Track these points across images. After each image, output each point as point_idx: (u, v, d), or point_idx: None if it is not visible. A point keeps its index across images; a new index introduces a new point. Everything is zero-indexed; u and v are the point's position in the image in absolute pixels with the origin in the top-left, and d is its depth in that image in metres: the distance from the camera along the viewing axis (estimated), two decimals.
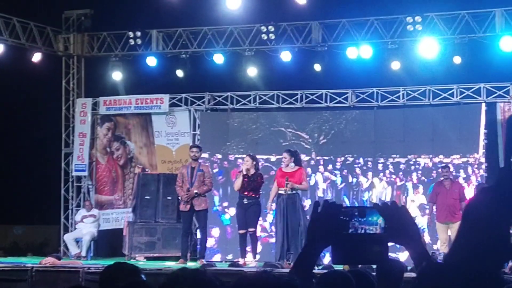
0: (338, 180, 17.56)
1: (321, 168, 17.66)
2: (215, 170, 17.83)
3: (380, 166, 17.29)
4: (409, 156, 17.06)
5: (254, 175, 14.34)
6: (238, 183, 14.34)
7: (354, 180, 17.47)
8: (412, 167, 17.05)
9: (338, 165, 17.58)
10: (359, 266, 5.45)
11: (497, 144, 16.61)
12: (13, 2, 18.29)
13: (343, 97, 17.94)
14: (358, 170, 17.41)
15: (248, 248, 14.33)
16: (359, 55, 17.27)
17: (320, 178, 17.65)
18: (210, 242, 17.47)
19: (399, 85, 17.55)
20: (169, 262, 15.54)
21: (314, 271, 2.74)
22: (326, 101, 18.03)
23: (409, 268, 7.04)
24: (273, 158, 17.61)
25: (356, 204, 16.95)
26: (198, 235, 15.97)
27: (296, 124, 17.96)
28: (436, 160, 16.84)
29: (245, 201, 14.26)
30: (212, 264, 14.47)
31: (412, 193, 17.10)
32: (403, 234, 2.53)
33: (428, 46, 16.75)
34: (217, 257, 17.64)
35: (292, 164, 14.18)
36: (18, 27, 18.19)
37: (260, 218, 15.20)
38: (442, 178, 15.55)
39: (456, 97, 17.13)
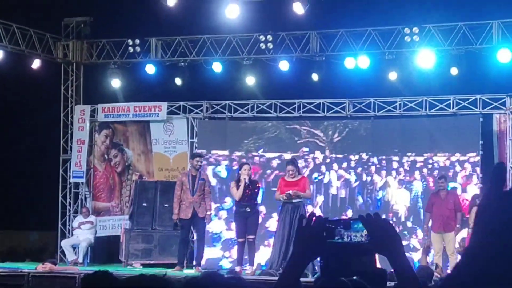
0: (352, 178, 17.49)
1: (335, 166, 17.60)
2: (234, 168, 17.91)
3: (394, 165, 17.23)
4: (425, 155, 16.95)
5: (252, 183, 14.41)
6: (240, 192, 14.26)
7: (369, 178, 17.39)
8: (430, 166, 16.96)
9: (352, 164, 17.55)
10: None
11: (493, 156, 16.70)
12: (13, 8, 18.37)
13: (340, 106, 18.01)
14: (372, 169, 17.40)
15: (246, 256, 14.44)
16: (357, 65, 17.35)
17: (334, 176, 17.58)
18: (230, 235, 17.61)
19: (396, 96, 17.62)
20: (166, 269, 15.59)
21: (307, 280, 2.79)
22: (323, 111, 18.10)
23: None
24: (287, 156, 17.70)
25: (370, 202, 17.01)
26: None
27: (311, 122, 18.01)
28: (453, 158, 16.77)
29: (248, 209, 14.28)
30: None
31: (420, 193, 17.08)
32: (387, 246, 2.53)
33: (425, 57, 16.84)
34: (233, 250, 17.70)
35: (297, 174, 14.32)
36: (18, 33, 18.28)
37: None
38: (438, 189, 15.65)
39: (453, 108, 17.21)
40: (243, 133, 18.22)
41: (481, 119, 16.75)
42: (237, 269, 14.21)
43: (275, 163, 17.86)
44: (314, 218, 2.61)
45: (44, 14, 19.02)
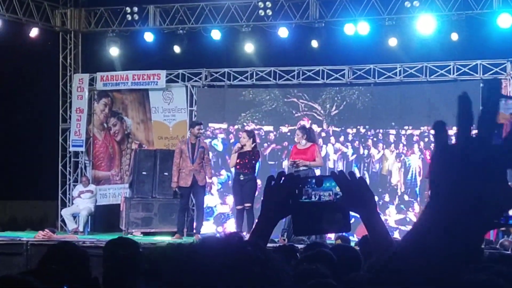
0: (349, 151, 17.48)
1: (332, 139, 17.59)
2: (231, 141, 17.86)
3: (391, 138, 17.18)
4: (422, 128, 16.89)
5: (251, 151, 14.37)
6: (233, 160, 14.40)
7: (366, 151, 17.38)
8: (426, 139, 16.82)
9: (350, 137, 17.52)
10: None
11: (493, 121, 16.60)
12: None
13: (340, 73, 17.92)
14: (370, 142, 17.35)
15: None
16: (357, 32, 17.23)
17: (331, 149, 17.57)
18: (225, 209, 17.74)
19: (396, 62, 17.52)
20: (165, 237, 15.65)
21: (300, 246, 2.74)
22: (322, 78, 18.01)
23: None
24: (285, 129, 17.68)
25: (367, 176, 16.91)
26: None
27: (309, 95, 17.94)
28: (450, 132, 16.64)
29: (241, 177, 14.32)
30: None
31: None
32: (360, 203, 2.50)
33: (425, 23, 16.72)
34: (226, 225, 17.73)
35: (304, 141, 14.20)
36: (16, 1, 18.16)
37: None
38: None
39: (453, 74, 17.11)
40: (241, 105, 18.15)
41: (481, 85, 16.65)
42: None
43: (272, 136, 17.80)
44: (283, 177, 2.56)
45: None
